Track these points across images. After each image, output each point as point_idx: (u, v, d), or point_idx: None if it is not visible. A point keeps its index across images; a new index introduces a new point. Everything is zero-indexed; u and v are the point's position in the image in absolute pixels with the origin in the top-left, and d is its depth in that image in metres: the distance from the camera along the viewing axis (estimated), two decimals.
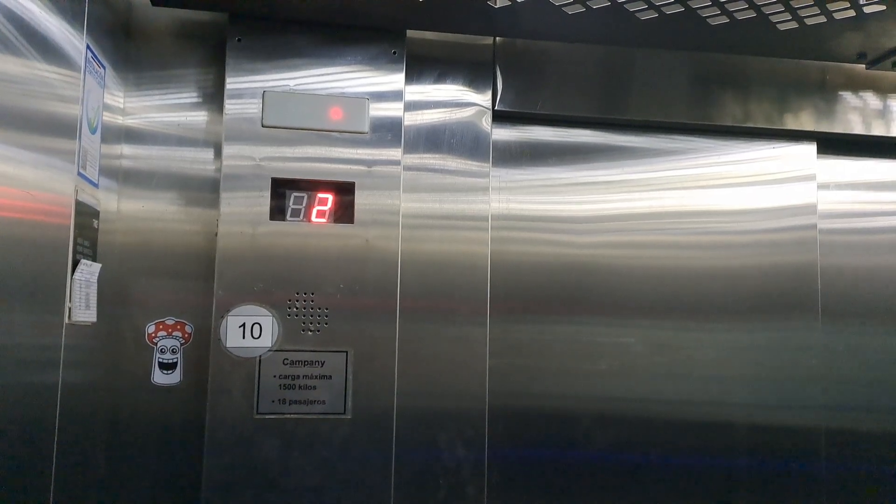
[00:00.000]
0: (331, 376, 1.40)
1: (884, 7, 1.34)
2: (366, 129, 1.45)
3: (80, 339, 1.21)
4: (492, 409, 1.52)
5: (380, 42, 1.48)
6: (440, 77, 1.57)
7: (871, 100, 1.73)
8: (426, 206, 1.54)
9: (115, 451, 1.40)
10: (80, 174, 1.18)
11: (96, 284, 1.26)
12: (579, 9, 1.36)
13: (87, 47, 1.20)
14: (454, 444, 1.50)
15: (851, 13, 1.37)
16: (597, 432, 1.61)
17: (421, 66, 1.56)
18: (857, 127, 1.72)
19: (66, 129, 1.13)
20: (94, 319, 1.27)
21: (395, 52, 1.49)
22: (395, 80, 1.48)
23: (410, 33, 1.52)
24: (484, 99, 1.58)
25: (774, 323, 1.68)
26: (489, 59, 1.59)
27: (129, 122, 1.45)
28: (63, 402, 1.12)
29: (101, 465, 1.38)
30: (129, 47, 1.45)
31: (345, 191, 1.44)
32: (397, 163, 1.46)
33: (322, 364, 1.40)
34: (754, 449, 1.65)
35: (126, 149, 1.45)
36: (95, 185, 1.28)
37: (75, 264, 1.16)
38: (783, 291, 1.69)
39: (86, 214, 1.22)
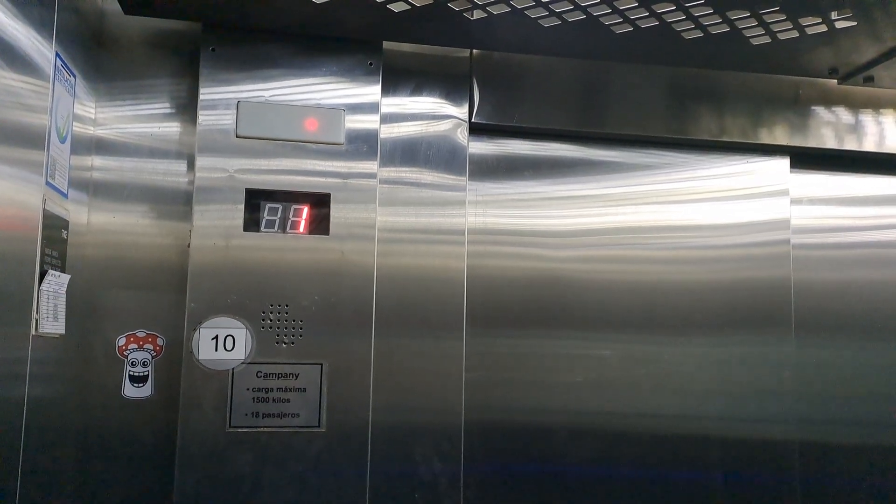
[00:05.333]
0: (305, 389, 1.38)
1: (855, 23, 1.36)
2: (342, 140, 1.45)
3: (47, 352, 1.19)
4: (468, 423, 1.52)
5: (356, 53, 1.48)
6: (417, 89, 1.57)
7: (844, 115, 1.75)
8: (402, 220, 1.53)
9: (85, 466, 1.37)
10: (48, 184, 1.16)
11: (65, 296, 1.24)
12: (555, 21, 1.37)
13: (57, 55, 1.18)
14: (430, 458, 1.49)
15: (823, 28, 1.39)
16: (573, 446, 1.60)
17: (397, 78, 1.55)
18: (829, 142, 1.74)
19: (34, 138, 1.11)
20: (63, 331, 1.24)
21: (371, 64, 1.48)
22: (371, 91, 1.48)
23: (387, 45, 1.52)
24: (461, 111, 1.58)
25: (748, 337, 1.69)
26: (466, 71, 1.59)
27: (101, 132, 1.44)
28: (29, 416, 1.09)
29: (70, 480, 1.35)
30: (100, 56, 1.43)
31: (320, 202, 1.43)
32: (373, 175, 1.46)
33: (296, 377, 1.38)
34: (729, 462, 1.66)
35: (97, 160, 1.43)
36: (65, 196, 1.26)
37: (42, 275, 1.14)
38: (757, 306, 1.70)
39: (54, 224, 1.21)
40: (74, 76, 1.29)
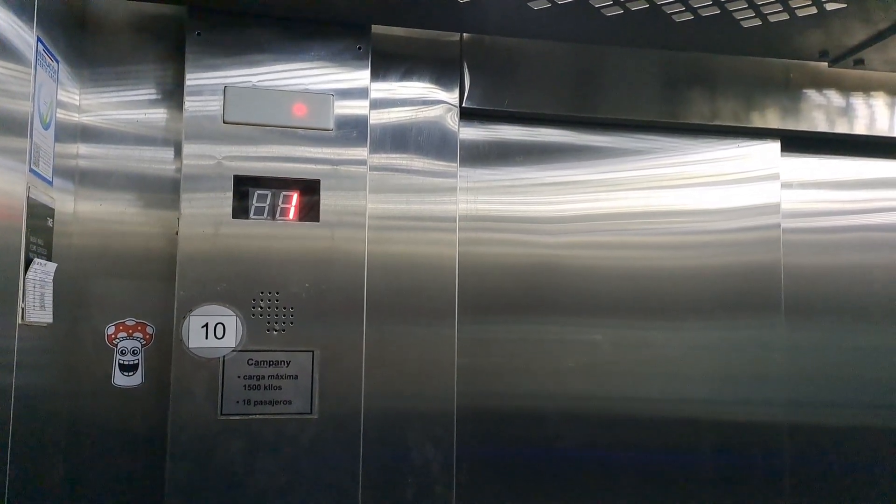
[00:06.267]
0: (297, 376, 1.38)
1: (844, 5, 1.36)
2: (331, 125, 1.44)
3: (34, 341, 1.18)
4: (460, 409, 1.52)
5: (344, 37, 1.46)
6: (406, 74, 1.56)
7: (834, 98, 1.75)
8: (393, 207, 1.52)
9: (75, 456, 1.36)
10: (32, 171, 1.15)
11: (52, 284, 1.23)
12: (545, 4, 1.36)
13: (38, 40, 1.16)
14: (423, 444, 1.49)
15: (813, 10, 1.39)
16: (564, 430, 1.61)
17: (387, 62, 1.54)
18: (820, 125, 1.73)
19: (16, 125, 1.09)
20: (50, 320, 1.23)
21: (360, 48, 1.47)
22: (360, 76, 1.46)
23: (376, 29, 1.50)
24: (451, 96, 1.57)
25: (739, 321, 1.70)
26: (456, 55, 1.58)
27: (86, 119, 1.41)
28: (17, 406, 1.09)
29: (60, 470, 1.34)
30: (84, 42, 1.41)
31: (310, 189, 1.42)
32: (363, 162, 1.45)
33: (288, 364, 1.38)
34: (719, 445, 1.67)
35: (82, 148, 1.41)
36: (49, 183, 1.24)
37: (28, 263, 1.13)
38: (747, 290, 1.70)
39: (39, 212, 1.19)
40: (57, 61, 1.27)
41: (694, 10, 1.38)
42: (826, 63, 1.69)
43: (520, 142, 1.65)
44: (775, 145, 1.75)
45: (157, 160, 1.44)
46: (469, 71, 1.59)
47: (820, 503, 1.72)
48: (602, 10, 1.38)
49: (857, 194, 1.82)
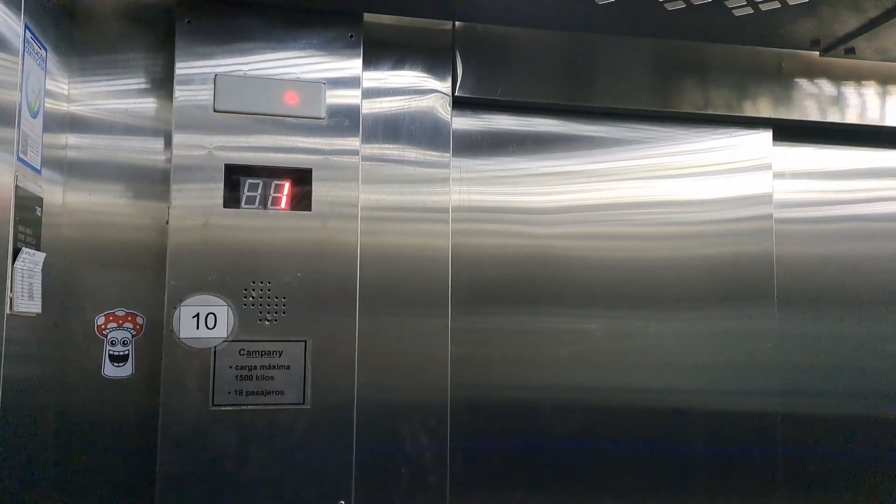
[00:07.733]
0: (289, 366, 1.38)
1: None
2: (322, 114, 1.43)
3: (23, 332, 1.18)
4: (454, 400, 1.52)
5: (336, 26, 1.45)
6: (398, 63, 1.55)
7: (826, 87, 1.75)
8: (386, 198, 1.52)
9: (65, 448, 1.36)
10: (20, 159, 1.14)
11: (40, 274, 1.22)
12: None
13: (26, 27, 1.15)
14: (416, 435, 1.49)
15: None
16: (558, 421, 1.61)
17: (379, 51, 1.53)
18: (812, 114, 1.73)
19: (3, 114, 1.09)
20: (39, 310, 1.23)
21: (351, 36, 1.46)
22: (352, 65, 1.46)
23: (368, 17, 1.49)
24: (443, 85, 1.56)
25: (731, 311, 1.69)
26: (448, 44, 1.57)
27: (74, 109, 1.40)
28: (6, 397, 1.08)
29: (50, 462, 1.34)
30: (73, 30, 1.40)
31: (302, 179, 1.41)
32: (355, 152, 1.44)
33: (280, 354, 1.37)
34: (712, 435, 1.67)
35: (71, 138, 1.40)
36: (38, 172, 1.23)
37: (16, 253, 1.12)
38: (740, 280, 1.70)
39: (27, 201, 1.18)
40: (45, 50, 1.26)
41: None
42: (817, 52, 1.69)
43: (512, 131, 1.65)
44: (767, 135, 1.75)
45: (147, 150, 1.43)
46: (461, 60, 1.58)
47: (814, 492, 1.73)
48: None
49: (849, 184, 1.83)
